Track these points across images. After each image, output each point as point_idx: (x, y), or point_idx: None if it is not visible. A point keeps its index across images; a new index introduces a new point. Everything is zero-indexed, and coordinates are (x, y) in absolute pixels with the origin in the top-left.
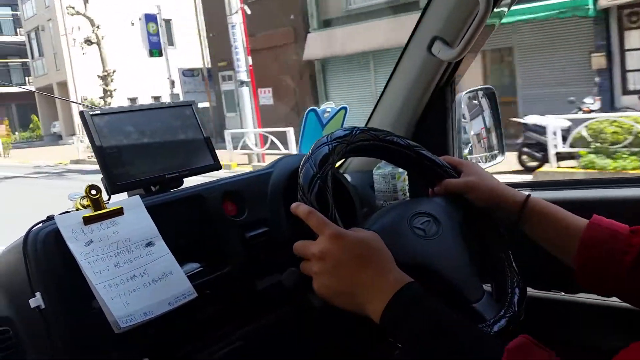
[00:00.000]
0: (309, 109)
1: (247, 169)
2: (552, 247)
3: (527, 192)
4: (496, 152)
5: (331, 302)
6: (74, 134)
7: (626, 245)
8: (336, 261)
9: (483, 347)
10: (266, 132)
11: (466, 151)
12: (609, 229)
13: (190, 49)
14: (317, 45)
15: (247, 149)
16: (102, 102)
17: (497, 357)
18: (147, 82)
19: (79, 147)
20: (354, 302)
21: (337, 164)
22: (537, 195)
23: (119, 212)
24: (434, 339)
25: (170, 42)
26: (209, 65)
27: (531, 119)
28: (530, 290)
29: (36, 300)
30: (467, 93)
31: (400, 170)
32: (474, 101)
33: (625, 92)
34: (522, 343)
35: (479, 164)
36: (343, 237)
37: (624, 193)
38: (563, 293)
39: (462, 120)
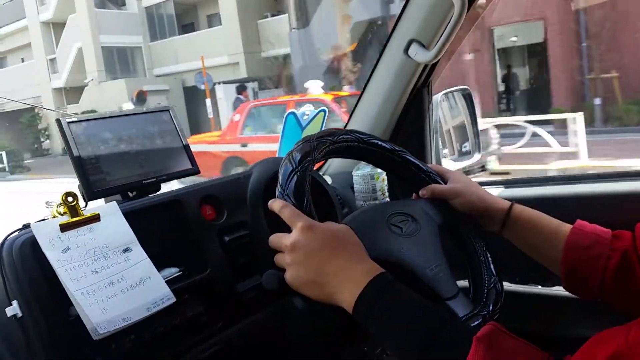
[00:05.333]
0: (288, 112)
1: None
2: (536, 254)
3: (510, 202)
4: (471, 151)
5: (302, 293)
6: None
7: (609, 250)
8: (306, 251)
9: (454, 335)
10: None
11: (444, 151)
12: (592, 233)
13: None
14: None
15: None
16: None
17: (467, 345)
18: None
19: None
20: (324, 291)
21: (318, 165)
22: (509, 192)
23: (95, 218)
24: (405, 328)
25: None
26: None
27: None
28: (507, 285)
29: (13, 309)
30: (443, 94)
31: (379, 170)
32: (451, 102)
33: None
34: (490, 330)
35: (452, 160)
36: (314, 228)
37: (596, 189)
38: (540, 287)
39: (439, 120)
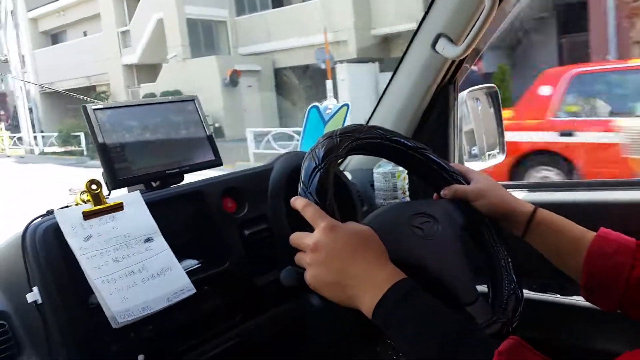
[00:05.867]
0: (311, 105)
1: None
2: (558, 260)
3: (534, 205)
4: (497, 151)
5: (322, 294)
6: None
7: (632, 259)
8: (328, 252)
9: (475, 347)
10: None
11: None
12: (616, 242)
13: None
14: None
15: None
16: None
17: (488, 358)
18: None
19: None
20: (345, 294)
21: (339, 161)
22: (533, 196)
23: (119, 207)
24: (425, 337)
25: None
26: None
27: None
28: (525, 293)
29: (33, 295)
30: (469, 92)
31: (401, 169)
32: (476, 100)
33: None
34: (512, 345)
35: (479, 161)
36: (337, 229)
37: (621, 196)
38: (558, 295)
39: (464, 118)
